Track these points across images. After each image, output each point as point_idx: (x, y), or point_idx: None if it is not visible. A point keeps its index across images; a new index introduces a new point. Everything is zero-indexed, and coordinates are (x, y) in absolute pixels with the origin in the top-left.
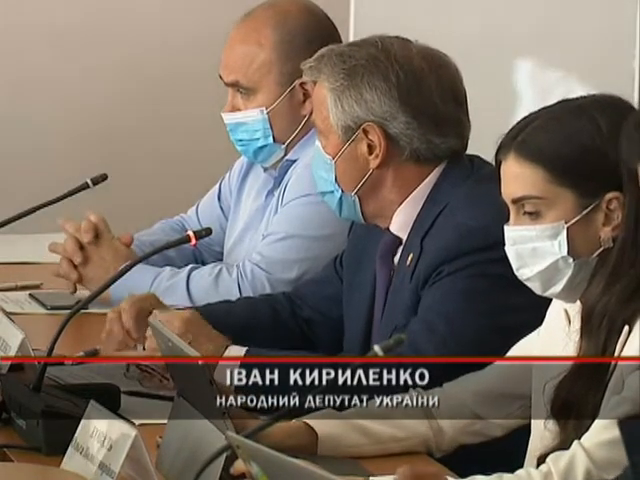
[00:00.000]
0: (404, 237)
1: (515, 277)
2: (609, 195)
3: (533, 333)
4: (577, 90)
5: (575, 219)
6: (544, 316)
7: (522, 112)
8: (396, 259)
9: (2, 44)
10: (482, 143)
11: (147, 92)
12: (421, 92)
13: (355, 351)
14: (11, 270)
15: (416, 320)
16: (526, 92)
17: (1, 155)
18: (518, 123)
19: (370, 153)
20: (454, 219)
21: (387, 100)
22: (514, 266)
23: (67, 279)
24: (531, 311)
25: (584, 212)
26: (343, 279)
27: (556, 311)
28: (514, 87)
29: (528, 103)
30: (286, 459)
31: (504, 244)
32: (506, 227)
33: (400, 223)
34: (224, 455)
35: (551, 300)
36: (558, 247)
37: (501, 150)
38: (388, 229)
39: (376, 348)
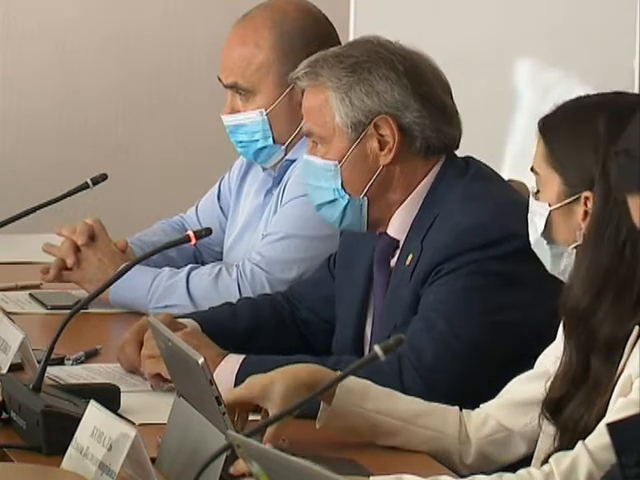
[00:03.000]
0: (402, 239)
1: (513, 274)
2: (586, 193)
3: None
4: (577, 90)
5: (556, 205)
6: (544, 313)
7: (522, 112)
8: (393, 261)
9: (3, 43)
10: (482, 143)
11: (147, 92)
12: (425, 80)
13: (345, 352)
14: (11, 270)
15: (416, 319)
16: (526, 92)
17: (1, 155)
18: (563, 102)
19: (381, 149)
20: (452, 218)
21: (399, 89)
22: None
23: (52, 279)
24: (530, 308)
25: (565, 201)
26: (335, 279)
27: None
28: (514, 87)
29: (528, 103)
30: (287, 458)
31: (502, 241)
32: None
33: (398, 226)
34: (224, 455)
35: (550, 297)
36: (540, 226)
37: (538, 122)
38: (385, 233)
39: (376, 348)
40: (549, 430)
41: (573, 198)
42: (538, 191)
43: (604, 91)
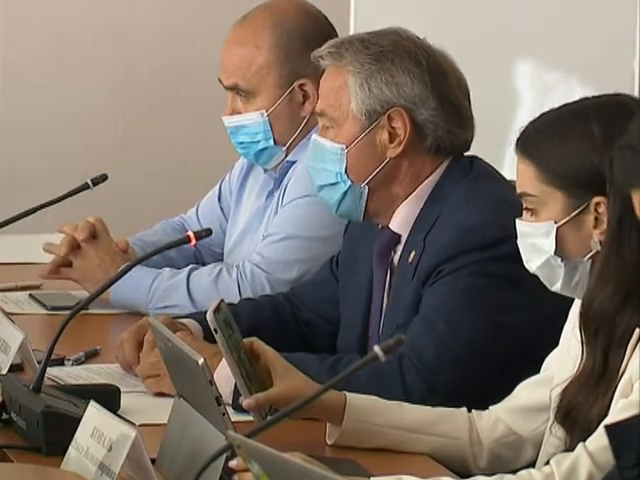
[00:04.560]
0: (404, 235)
1: (514, 275)
2: (596, 199)
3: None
4: (577, 90)
5: (564, 220)
6: (544, 314)
7: (522, 112)
8: (395, 257)
9: (4, 41)
10: (482, 143)
11: (148, 92)
12: (447, 81)
13: (350, 352)
14: (11, 270)
15: (417, 319)
16: (526, 92)
17: (1, 155)
18: (532, 120)
19: (391, 141)
20: (454, 217)
21: (419, 84)
22: (523, 259)
23: (50, 276)
24: (530, 309)
25: (572, 214)
26: (339, 280)
27: (575, 314)
28: (514, 87)
29: (528, 103)
30: (287, 458)
31: (503, 242)
32: (517, 220)
33: (401, 220)
34: (224, 455)
35: (550, 299)
36: (549, 246)
37: (515, 145)
38: (387, 227)
39: (376, 349)
40: (559, 433)
41: (581, 208)
42: (533, 213)
43: (585, 97)
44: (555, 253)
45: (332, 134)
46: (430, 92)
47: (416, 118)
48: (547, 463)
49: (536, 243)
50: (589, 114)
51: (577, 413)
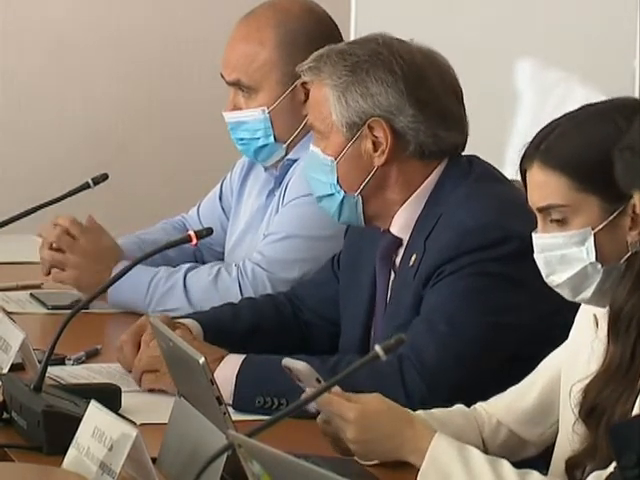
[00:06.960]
0: (405, 238)
1: (515, 275)
2: (633, 199)
3: (563, 344)
4: (577, 90)
5: (601, 225)
6: (544, 314)
7: (522, 112)
8: (397, 260)
9: (3, 42)
10: (482, 143)
11: (148, 91)
12: (426, 85)
13: (352, 352)
14: (12, 270)
15: (418, 320)
16: (526, 92)
17: (1, 155)
18: (541, 131)
19: (375, 150)
20: (454, 219)
21: (394, 92)
22: (543, 273)
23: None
24: (531, 309)
25: (610, 218)
26: (340, 280)
27: (584, 317)
28: (514, 87)
29: (528, 103)
30: (288, 458)
31: (503, 242)
32: (534, 235)
33: (401, 224)
34: (225, 455)
35: (549, 298)
36: (586, 253)
37: (525, 159)
38: (388, 230)
39: (377, 348)
40: (578, 429)
41: (619, 210)
42: (561, 223)
43: (598, 97)
44: (597, 260)
45: (322, 146)
46: (406, 99)
47: (395, 126)
48: (571, 463)
49: (567, 254)
50: (610, 112)
51: (603, 408)
